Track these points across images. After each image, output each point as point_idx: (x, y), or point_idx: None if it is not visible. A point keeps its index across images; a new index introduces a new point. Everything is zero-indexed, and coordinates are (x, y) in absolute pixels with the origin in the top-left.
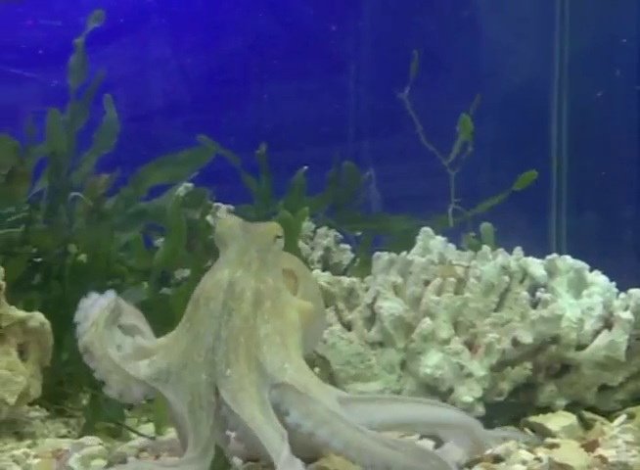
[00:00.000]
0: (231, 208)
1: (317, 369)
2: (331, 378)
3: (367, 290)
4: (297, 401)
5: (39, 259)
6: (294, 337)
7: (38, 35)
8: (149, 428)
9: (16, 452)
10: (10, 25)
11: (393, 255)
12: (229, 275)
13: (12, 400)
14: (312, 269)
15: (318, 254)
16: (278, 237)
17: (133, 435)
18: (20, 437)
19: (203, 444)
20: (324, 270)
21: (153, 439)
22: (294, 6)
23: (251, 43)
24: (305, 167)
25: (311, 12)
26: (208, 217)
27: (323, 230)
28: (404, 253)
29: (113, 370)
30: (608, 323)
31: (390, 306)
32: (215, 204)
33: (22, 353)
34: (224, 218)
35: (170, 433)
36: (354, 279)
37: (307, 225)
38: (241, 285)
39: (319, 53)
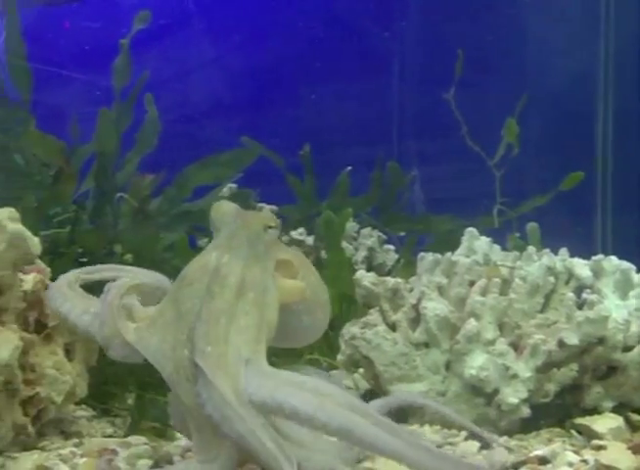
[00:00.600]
0: (274, 208)
1: (362, 370)
2: (375, 379)
3: (412, 290)
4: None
5: (85, 260)
6: (265, 336)
7: (85, 37)
8: None
9: (62, 451)
10: (58, 27)
11: (438, 255)
12: (216, 259)
13: (59, 400)
14: (356, 270)
15: (362, 254)
16: (270, 227)
17: (178, 435)
18: (66, 436)
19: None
20: (368, 271)
21: None
22: (338, 7)
23: (296, 45)
24: (349, 168)
25: (355, 13)
26: None
27: (367, 231)
28: (449, 253)
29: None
30: None
31: (435, 307)
32: (259, 204)
33: (69, 353)
34: (219, 203)
35: None
36: (399, 280)
37: (351, 226)
38: (226, 270)
39: (364, 54)
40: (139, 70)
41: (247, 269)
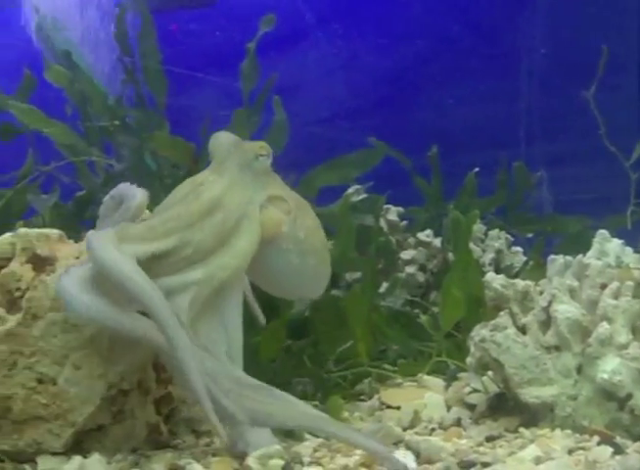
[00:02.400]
0: (401, 210)
1: (491, 373)
2: (505, 382)
3: (541, 293)
4: None
5: None
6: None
7: (216, 39)
8: None
9: (195, 450)
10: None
11: (569, 258)
12: (203, 176)
13: (190, 400)
14: (484, 272)
15: (489, 256)
16: (261, 155)
17: (307, 435)
18: (197, 435)
19: None
20: (496, 273)
21: (327, 439)
22: (467, 8)
23: (424, 46)
24: (476, 169)
25: (484, 14)
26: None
27: (494, 232)
28: (580, 256)
29: None
30: None
31: (567, 310)
32: (385, 206)
33: None
34: (218, 133)
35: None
36: (529, 282)
37: (479, 227)
38: (206, 187)
39: (492, 54)
40: (273, 72)
41: (227, 192)
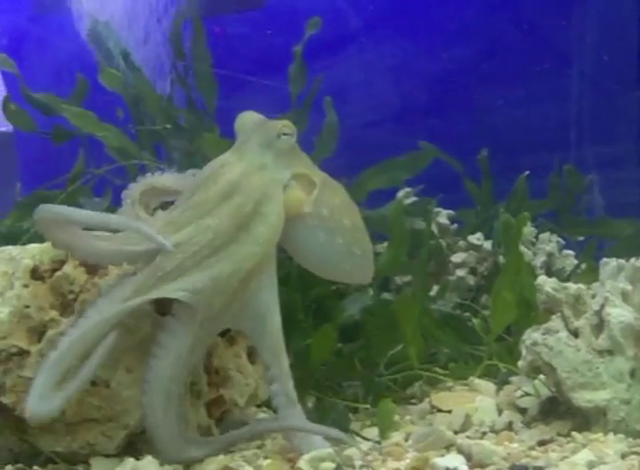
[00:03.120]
0: (451, 213)
1: (543, 376)
2: (557, 386)
3: (594, 297)
4: None
5: None
6: (234, 249)
7: (265, 42)
8: (373, 432)
9: (246, 453)
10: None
11: (622, 261)
12: (224, 158)
13: (241, 402)
14: (536, 275)
15: (541, 259)
16: (284, 134)
17: (358, 438)
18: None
19: None
20: (547, 276)
21: (378, 443)
22: (517, 9)
23: (473, 48)
24: (527, 172)
25: (534, 15)
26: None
27: (546, 235)
28: (633, 259)
29: None
30: None
31: (620, 314)
32: (436, 209)
33: (251, 356)
34: (244, 113)
35: (394, 437)
36: (581, 286)
37: (530, 230)
38: (226, 169)
39: (543, 56)
40: (322, 75)
41: (245, 174)
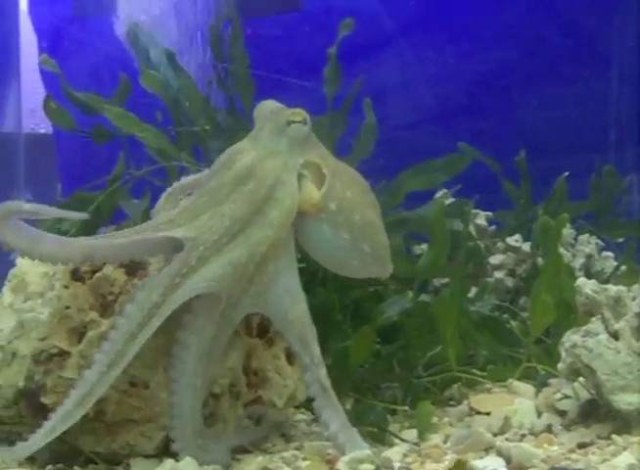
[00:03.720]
0: (489, 214)
1: (582, 379)
2: (597, 388)
3: (634, 299)
4: None
5: (303, 265)
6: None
7: (303, 44)
8: (412, 433)
9: (285, 454)
10: (274, 36)
11: None
12: (239, 145)
13: (280, 403)
14: (576, 278)
15: (580, 261)
16: (294, 122)
17: (397, 440)
18: (287, 439)
19: None
20: (586, 278)
21: (416, 445)
22: (556, 10)
23: (511, 49)
24: (566, 173)
25: (574, 16)
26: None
27: (585, 237)
28: None
29: None
30: None
31: None
32: (474, 211)
33: (289, 357)
34: (263, 102)
35: (433, 439)
36: (621, 287)
37: (569, 232)
38: (240, 156)
39: (583, 57)
40: (361, 76)
41: (260, 160)
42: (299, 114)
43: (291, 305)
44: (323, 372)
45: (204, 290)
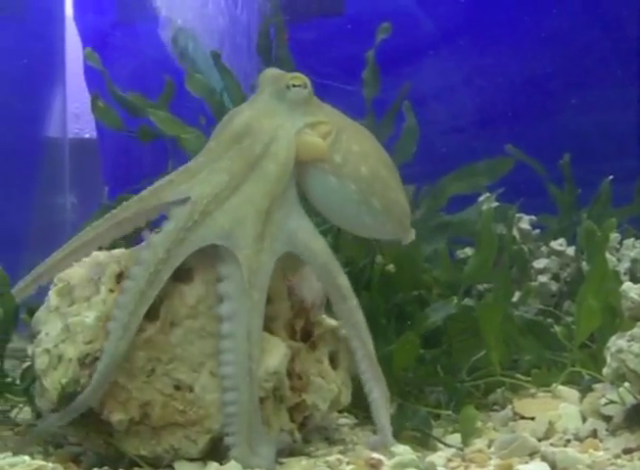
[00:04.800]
0: (533, 218)
1: (627, 384)
2: None
3: None
4: None
5: (347, 269)
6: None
7: (347, 48)
8: (456, 438)
9: (329, 458)
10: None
11: None
12: (238, 108)
13: (324, 407)
14: (621, 282)
15: (625, 265)
16: (294, 85)
17: (440, 445)
18: (330, 443)
19: None
20: (631, 283)
21: (460, 449)
22: (604, 13)
23: (557, 53)
24: (611, 177)
25: (619, 21)
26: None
27: (630, 241)
28: None
29: None
30: None
31: None
32: (517, 215)
33: (333, 361)
34: (267, 69)
35: (477, 443)
36: None
37: (614, 236)
38: (236, 117)
39: (629, 61)
40: (406, 81)
41: (255, 118)
42: (299, 78)
43: (309, 238)
44: (354, 303)
45: (211, 241)
